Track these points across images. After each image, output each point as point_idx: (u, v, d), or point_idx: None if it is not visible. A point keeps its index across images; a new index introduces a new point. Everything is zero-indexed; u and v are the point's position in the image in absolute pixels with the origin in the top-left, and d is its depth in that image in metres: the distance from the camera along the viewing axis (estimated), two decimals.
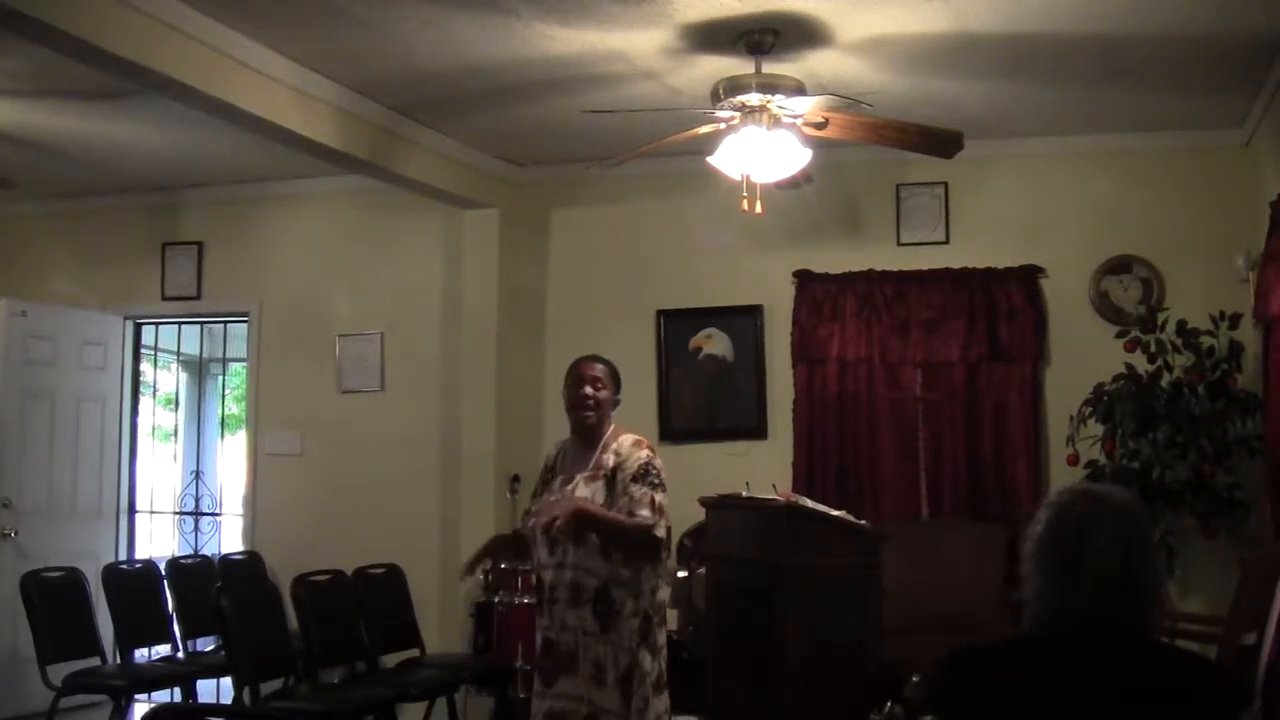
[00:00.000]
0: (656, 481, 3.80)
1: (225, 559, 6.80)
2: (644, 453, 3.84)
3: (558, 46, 4.75)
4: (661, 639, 3.82)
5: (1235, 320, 5.44)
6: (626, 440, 3.89)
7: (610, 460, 3.85)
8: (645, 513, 3.72)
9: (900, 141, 4.69)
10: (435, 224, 6.82)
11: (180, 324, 8.06)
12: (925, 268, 6.19)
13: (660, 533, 3.75)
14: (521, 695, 5.75)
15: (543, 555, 3.86)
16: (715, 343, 6.56)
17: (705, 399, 6.54)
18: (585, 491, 3.82)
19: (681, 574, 5.67)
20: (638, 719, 3.68)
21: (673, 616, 4.99)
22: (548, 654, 3.80)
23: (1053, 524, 2.03)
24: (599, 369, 3.94)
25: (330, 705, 4.95)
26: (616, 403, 4.00)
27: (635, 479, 3.78)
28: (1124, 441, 5.50)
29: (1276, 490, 4.98)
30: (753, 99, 4.44)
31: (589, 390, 3.91)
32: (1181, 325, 5.54)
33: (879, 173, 6.26)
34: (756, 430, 6.43)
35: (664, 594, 3.90)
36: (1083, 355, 5.94)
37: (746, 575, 4.75)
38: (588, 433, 3.93)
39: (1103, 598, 1.95)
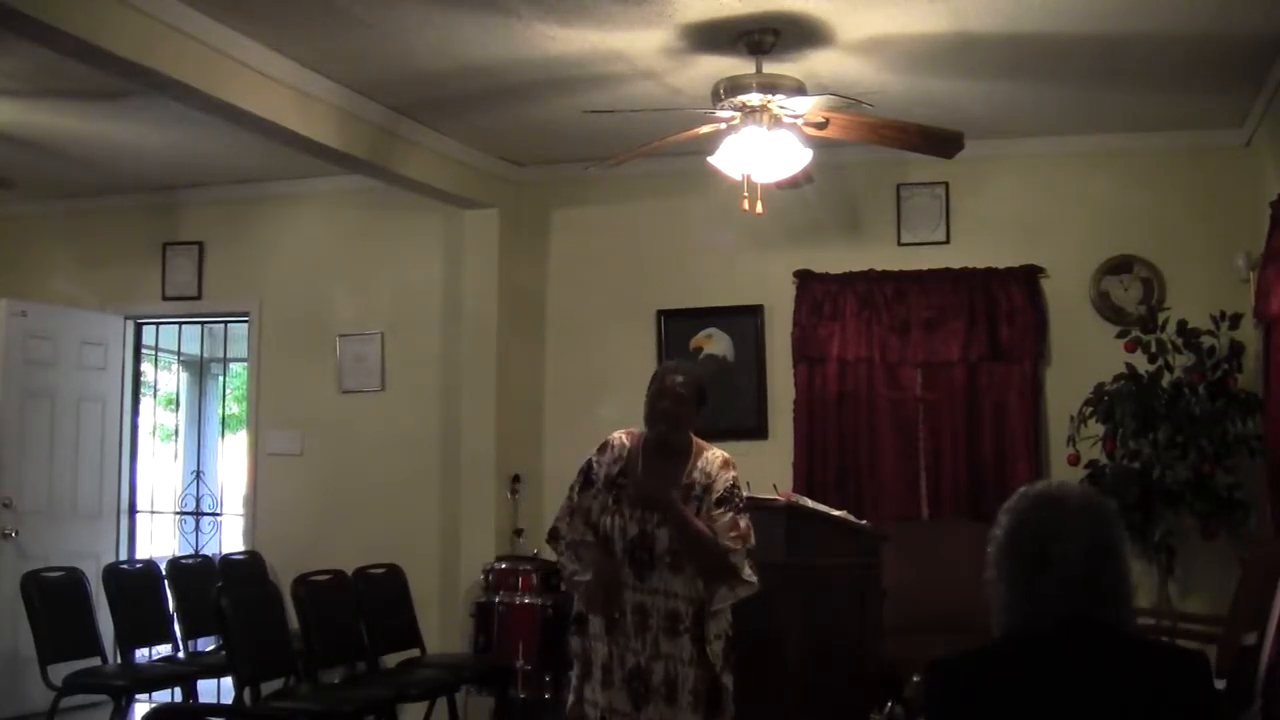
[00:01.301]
0: (742, 505, 3.70)
1: (226, 559, 6.80)
2: (731, 474, 3.74)
3: (558, 46, 4.75)
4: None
5: (1235, 320, 5.44)
6: (716, 459, 3.77)
7: (699, 479, 3.74)
8: (728, 539, 3.62)
9: (900, 141, 4.69)
10: (435, 224, 6.82)
11: (180, 324, 8.07)
12: (925, 268, 6.19)
13: (737, 560, 3.63)
14: (522, 695, 5.77)
15: (626, 576, 3.69)
16: (715, 343, 6.56)
17: None
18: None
19: None
20: None
21: None
22: (638, 678, 3.67)
23: (1012, 532, 2.02)
24: (680, 382, 3.76)
25: (330, 705, 4.95)
26: (699, 415, 3.82)
27: (720, 501, 3.68)
28: (1124, 441, 5.50)
29: (1276, 490, 4.98)
30: (753, 99, 4.44)
31: (669, 405, 3.73)
32: (1182, 325, 5.54)
33: (879, 173, 6.26)
34: (756, 430, 6.43)
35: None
36: (1083, 355, 5.94)
37: None
38: (665, 446, 3.78)
39: (1072, 601, 1.94)
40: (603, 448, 3.87)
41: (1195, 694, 1.94)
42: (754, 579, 3.67)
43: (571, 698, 3.88)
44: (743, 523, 3.67)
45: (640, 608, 3.68)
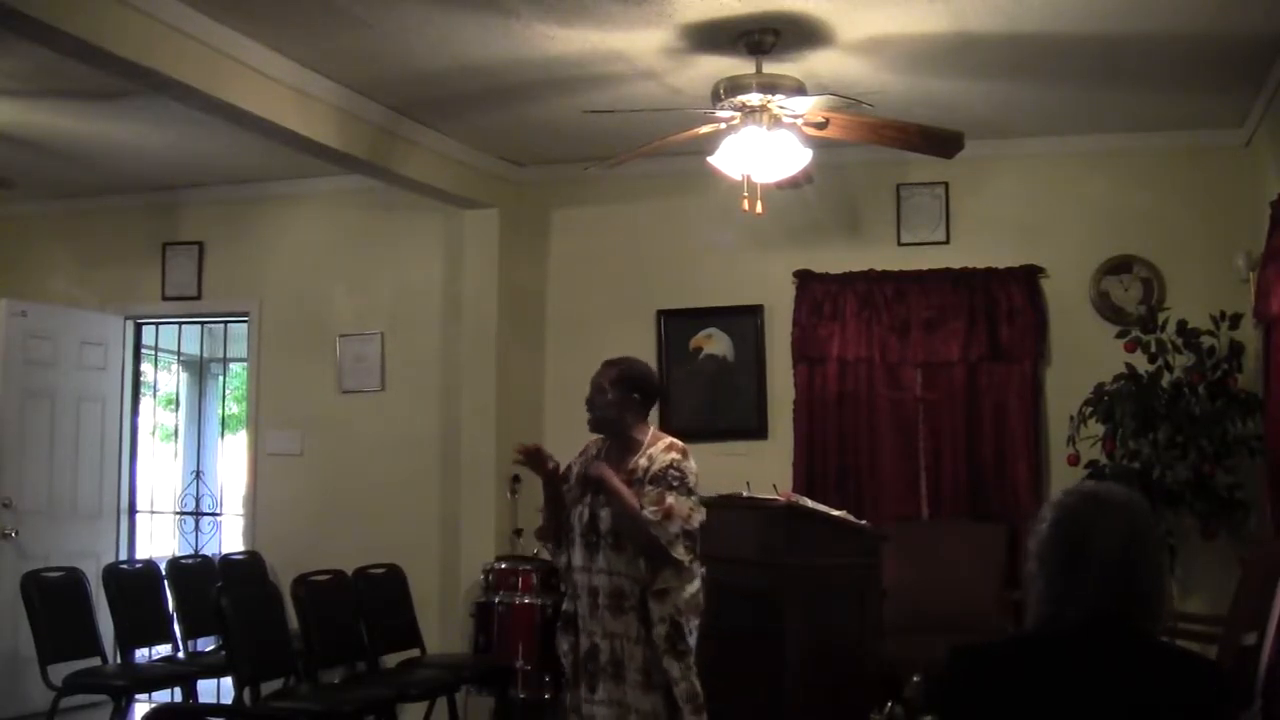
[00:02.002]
0: (675, 484, 3.78)
1: (225, 559, 6.80)
2: (673, 456, 3.85)
3: (558, 46, 4.75)
4: (692, 643, 3.78)
5: (1235, 320, 5.44)
6: (662, 444, 3.91)
7: (644, 464, 3.85)
8: (652, 510, 3.72)
9: (900, 141, 4.69)
10: (435, 224, 6.82)
11: (180, 324, 8.06)
12: (925, 268, 6.19)
13: (660, 533, 3.72)
14: (522, 695, 5.77)
15: (578, 558, 3.87)
16: (715, 343, 6.56)
17: (705, 399, 6.54)
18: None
19: None
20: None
21: None
22: (592, 659, 3.80)
23: (1056, 524, 2.04)
24: (608, 372, 3.98)
25: (330, 705, 4.95)
26: (639, 404, 3.98)
27: (654, 479, 3.79)
28: (1124, 441, 5.50)
29: (1276, 490, 4.98)
30: (753, 99, 4.44)
31: (592, 394, 3.97)
32: (1182, 325, 5.54)
33: (879, 173, 6.26)
34: (757, 430, 6.43)
35: (698, 600, 3.83)
36: (1083, 355, 5.94)
37: (746, 575, 4.74)
38: (611, 436, 3.98)
39: (1105, 597, 1.96)
40: (583, 450, 4.11)
41: (1213, 704, 1.95)
42: (685, 559, 3.74)
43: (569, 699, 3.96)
44: (670, 499, 3.75)
45: (592, 590, 3.84)
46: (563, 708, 4.20)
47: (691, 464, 3.87)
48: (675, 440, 3.95)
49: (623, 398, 3.94)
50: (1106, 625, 1.95)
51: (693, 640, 3.79)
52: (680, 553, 3.73)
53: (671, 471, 3.80)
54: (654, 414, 6.26)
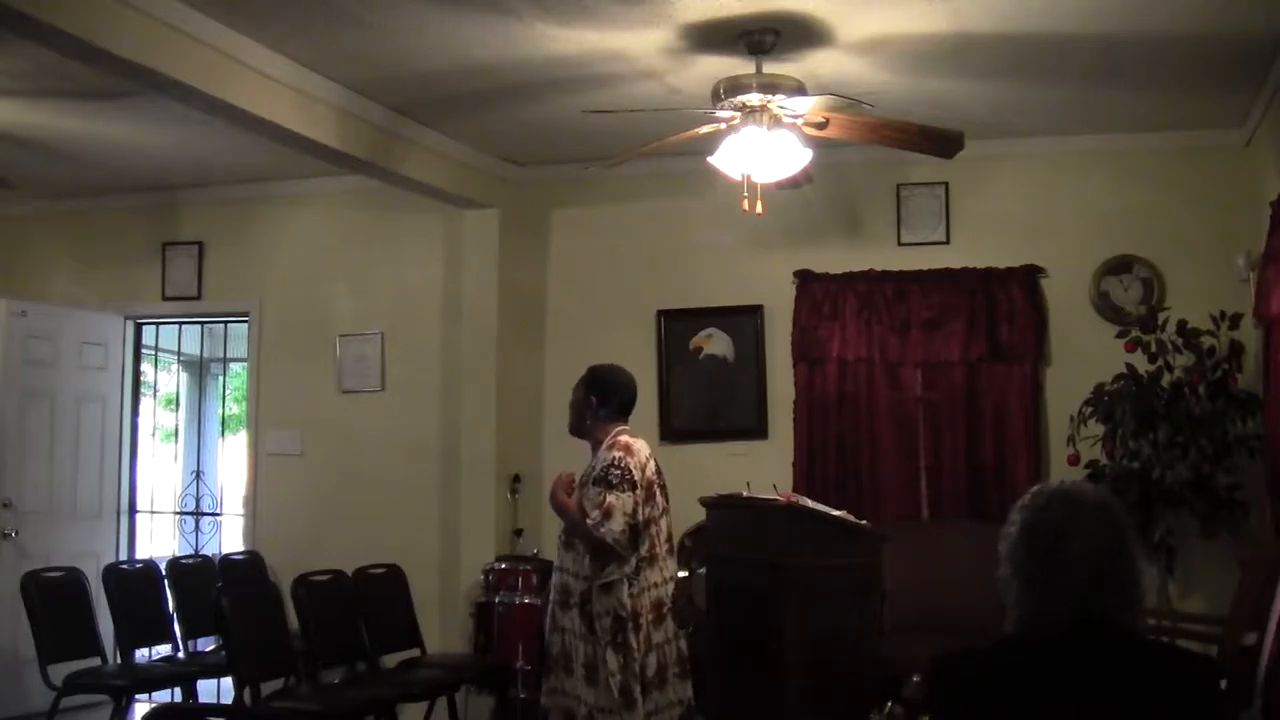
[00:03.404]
0: (615, 481, 3.95)
1: (226, 559, 6.80)
2: (614, 454, 4.02)
3: (558, 46, 4.75)
4: (637, 641, 3.90)
5: (1235, 320, 5.44)
6: (611, 444, 4.10)
7: (596, 464, 4.07)
8: (595, 514, 3.92)
9: (900, 141, 4.69)
10: (435, 224, 6.82)
11: (180, 324, 8.06)
12: (925, 268, 6.19)
13: (602, 533, 3.88)
14: (522, 695, 5.76)
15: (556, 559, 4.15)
16: (715, 343, 6.56)
17: (705, 399, 6.54)
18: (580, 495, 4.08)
19: (682, 574, 5.67)
20: (624, 714, 3.83)
21: None
22: (548, 653, 4.03)
23: (1028, 526, 2.03)
24: (582, 378, 4.24)
25: (330, 705, 4.95)
26: (596, 403, 4.16)
27: (595, 480, 4.00)
28: (1124, 441, 5.50)
29: (1276, 490, 4.98)
30: (753, 99, 4.44)
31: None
32: (1182, 325, 5.54)
33: (879, 173, 6.26)
34: (757, 430, 6.43)
35: (649, 596, 3.98)
36: (1083, 355, 5.94)
37: (746, 575, 4.75)
38: (579, 438, 4.22)
39: (1091, 597, 1.94)
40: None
41: (1205, 697, 1.94)
42: (628, 553, 3.94)
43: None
44: (610, 497, 3.93)
45: (555, 586, 4.12)
46: None
47: (635, 459, 4.02)
48: (624, 439, 4.11)
49: (581, 400, 4.18)
50: (1095, 625, 1.94)
51: (639, 638, 3.90)
52: (624, 547, 3.93)
53: (612, 470, 3.97)
54: (654, 415, 6.38)
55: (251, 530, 7.10)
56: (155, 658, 6.16)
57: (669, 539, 4.18)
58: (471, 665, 5.88)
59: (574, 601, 3.96)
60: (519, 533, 6.49)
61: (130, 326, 7.53)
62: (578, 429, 4.24)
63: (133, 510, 7.52)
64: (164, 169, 6.87)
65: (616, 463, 3.98)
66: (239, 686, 5.05)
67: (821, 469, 6.19)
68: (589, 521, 3.92)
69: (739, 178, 4.62)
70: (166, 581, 6.26)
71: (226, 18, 4.50)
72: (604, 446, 4.09)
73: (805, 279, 6.36)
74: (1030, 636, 1.99)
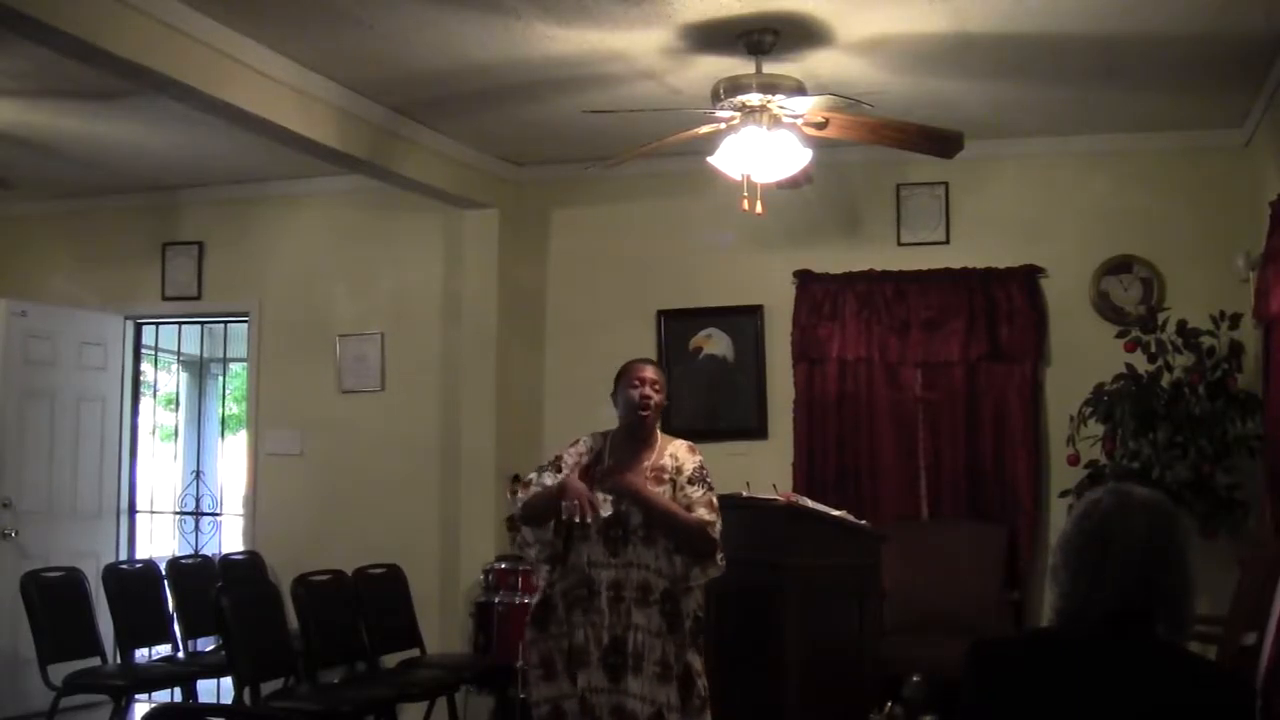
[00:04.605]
0: (711, 484, 3.91)
1: (225, 559, 6.80)
2: (699, 458, 3.96)
3: (558, 46, 4.75)
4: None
5: (1235, 320, 5.44)
6: (681, 445, 4.00)
7: (669, 464, 3.93)
8: (704, 512, 3.81)
9: (900, 141, 4.69)
10: (435, 224, 6.82)
11: (180, 324, 8.06)
12: (925, 268, 6.19)
13: (715, 533, 3.82)
14: (522, 695, 5.76)
15: (597, 554, 3.87)
16: (715, 343, 6.56)
17: (705, 399, 6.54)
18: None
19: None
20: (697, 718, 3.77)
21: None
22: (615, 651, 3.81)
23: (1081, 520, 2.04)
24: (655, 372, 4.03)
25: (330, 705, 4.95)
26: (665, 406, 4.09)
27: (692, 480, 3.88)
28: (1124, 441, 5.50)
29: (1276, 490, 4.98)
30: (753, 99, 4.44)
31: (649, 391, 3.97)
32: (1182, 325, 5.54)
33: (879, 173, 6.26)
34: (756, 430, 6.43)
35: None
36: (1083, 355, 5.94)
37: (746, 575, 4.73)
38: (644, 434, 4.00)
39: (1123, 597, 1.95)
40: (575, 441, 4.09)
41: (1234, 717, 1.93)
42: (723, 562, 3.85)
43: (534, 697, 3.96)
44: (714, 499, 3.87)
45: (615, 583, 3.84)
46: (526, 701, 4.18)
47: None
48: (683, 441, 4.05)
49: (664, 400, 4.06)
50: (1125, 627, 1.94)
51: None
52: (719, 552, 3.85)
53: (706, 472, 3.92)
54: None
55: (251, 530, 7.10)
56: (155, 658, 6.16)
57: None
58: (471, 665, 5.88)
59: (654, 599, 3.81)
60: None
61: (130, 326, 7.53)
62: (654, 431, 4.03)
63: (133, 510, 7.52)
64: (164, 169, 6.87)
65: (703, 465, 3.93)
66: (239, 686, 5.04)
67: (821, 469, 6.19)
68: (704, 519, 3.79)
69: (739, 178, 4.62)
70: (166, 581, 6.27)
71: (226, 18, 4.50)
72: (676, 448, 3.98)
73: (805, 279, 6.36)
74: (1068, 631, 2.00)
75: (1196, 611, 2.02)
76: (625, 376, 4.01)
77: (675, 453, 3.96)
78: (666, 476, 3.90)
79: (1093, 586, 1.97)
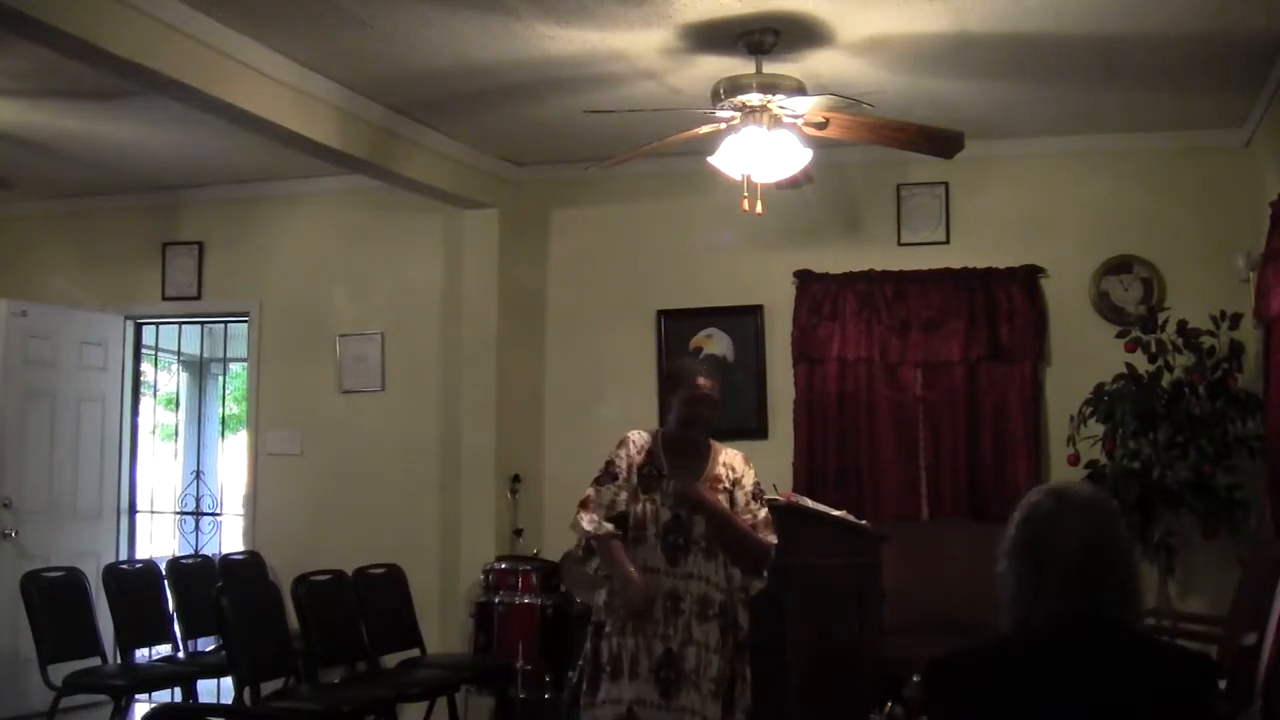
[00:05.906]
0: (766, 501, 3.92)
1: (226, 559, 6.80)
2: (754, 471, 3.94)
3: (558, 46, 4.75)
4: None
5: (1235, 320, 5.44)
6: (736, 456, 3.95)
7: (725, 474, 3.88)
8: (768, 534, 3.81)
9: (900, 141, 4.69)
10: (435, 224, 6.82)
11: (180, 324, 8.07)
12: (925, 268, 6.19)
13: (771, 551, 3.84)
14: (522, 695, 5.76)
15: (655, 560, 3.78)
16: (715, 343, 6.56)
17: None
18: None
19: None
20: None
21: None
22: (669, 665, 3.72)
23: (1022, 524, 2.06)
24: (712, 386, 3.89)
25: (330, 705, 4.95)
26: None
27: (755, 497, 3.87)
28: (1124, 441, 5.50)
29: (1276, 490, 4.98)
30: (753, 99, 4.44)
31: (705, 412, 3.89)
32: (1182, 325, 5.54)
33: (879, 173, 6.26)
34: (757, 430, 6.43)
35: None
36: (1083, 355, 5.94)
37: None
38: (686, 444, 3.92)
39: (1069, 596, 1.96)
40: (622, 443, 3.96)
41: (1198, 695, 1.94)
42: (766, 575, 3.87)
43: (584, 701, 3.88)
44: (769, 514, 3.88)
45: (673, 593, 3.76)
46: (564, 707, 4.18)
47: None
48: (740, 451, 3.99)
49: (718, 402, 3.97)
50: (1077, 623, 1.95)
51: None
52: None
53: (762, 488, 3.92)
54: (653, 415, 6.38)
55: (251, 530, 7.10)
56: (155, 658, 6.16)
57: None
58: (471, 665, 5.88)
59: (713, 613, 3.75)
60: (519, 533, 6.49)
61: (130, 326, 7.53)
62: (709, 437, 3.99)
63: (133, 510, 7.52)
64: (164, 169, 6.87)
65: (760, 481, 3.92)
66: (239, 686, 5.05)
67: (821, 469, 6.19)
68: (769, 543, 3.78)
69: (739, 178, 4.62)
70: (166, 581, 6.27)
71: (226, 18, 4.50)
72: (730, 457, 3.92)
73: (805, 279, 6.36)
74: (1022, 634, 2.01)
75: (1145, 605, 2.05)
76: (681, 388, 3.90)
77: (730, 463, 3.91)
78: (722, 486, 3.85)
79: (1038, 590, 1.98)
